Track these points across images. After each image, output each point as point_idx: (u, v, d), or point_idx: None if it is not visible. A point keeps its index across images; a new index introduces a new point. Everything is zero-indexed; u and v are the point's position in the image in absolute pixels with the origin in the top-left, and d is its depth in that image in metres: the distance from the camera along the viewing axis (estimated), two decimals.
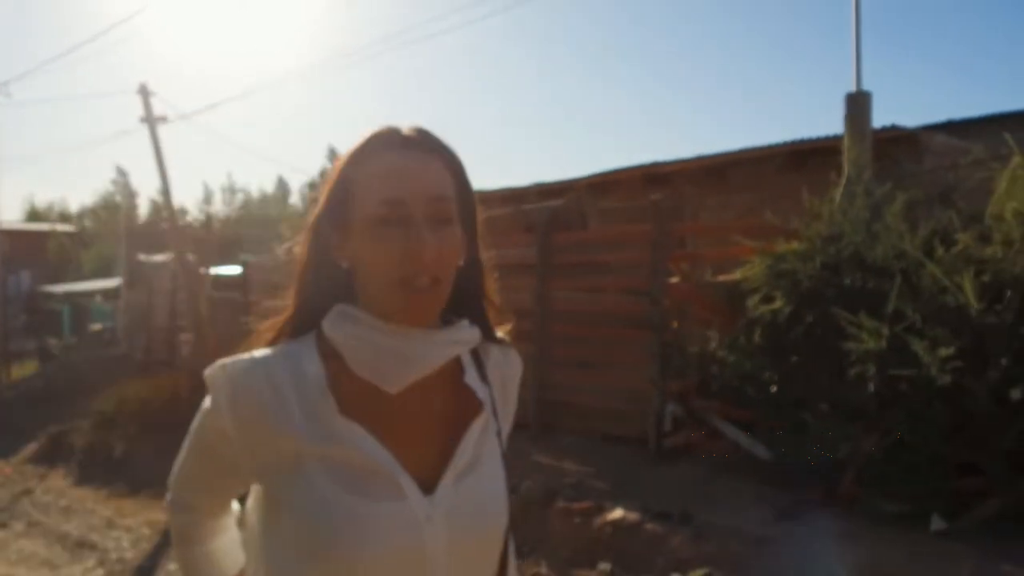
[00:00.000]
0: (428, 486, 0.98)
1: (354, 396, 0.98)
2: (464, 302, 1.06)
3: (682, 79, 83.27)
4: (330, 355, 1.00)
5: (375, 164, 0.98)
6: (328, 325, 1.00)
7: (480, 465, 1.03)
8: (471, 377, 1.08)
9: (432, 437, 1.02)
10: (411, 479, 0.97)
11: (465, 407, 1.06)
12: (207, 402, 1.02)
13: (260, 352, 1.01)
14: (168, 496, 1.19)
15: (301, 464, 0.95)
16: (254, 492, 1.08)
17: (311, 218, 1.04)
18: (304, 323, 1.04)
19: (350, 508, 0.93)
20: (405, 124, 1.03)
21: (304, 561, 0.95)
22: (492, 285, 1.12)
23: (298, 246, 1.07)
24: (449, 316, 1.04)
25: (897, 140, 7.56)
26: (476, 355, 1.12)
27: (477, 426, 1.05)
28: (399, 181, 0.96)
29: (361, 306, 1.00)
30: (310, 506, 0.94)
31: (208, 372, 1.00)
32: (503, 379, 1.15)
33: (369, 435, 0.97)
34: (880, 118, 8.29)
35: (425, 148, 1.01)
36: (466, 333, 1.04)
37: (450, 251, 0.98)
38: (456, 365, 1.07)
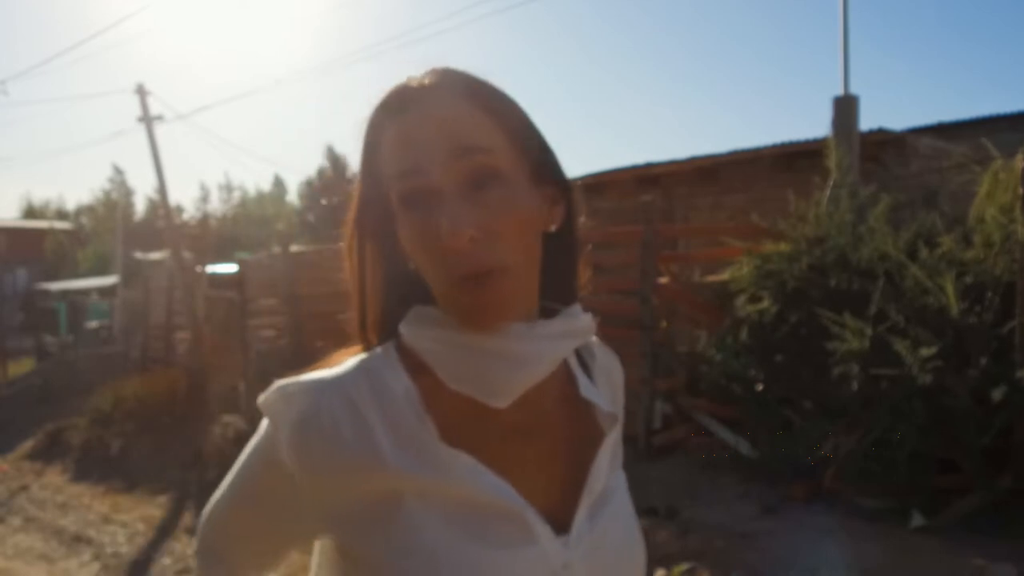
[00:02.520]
0: (559, 525, 0.77)
1: (454, 418, 0.76)
2: (549, 282, 0.81)
3: (675, 82, 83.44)
4: (418, 369, 0.78)
5: (386, 134, 0.76)
6: (407, 331, 0.78)
7: (613, 495, 0.84)
8: (585, 384, 0.87)
9: (553, 462, 0.81)
10: (540, 518, 0.76)
11: (585, 422, 0.85)
12: (260, 434, 0.81)
13: (330, 370, 0.79)
14: (197, 543, 0.93)
15: (398, 507, 0.73)
16: (320, 552, 0.84)
17: (349, 213, 0.83)
18: (378, 333, 0.82)
19: (471, 558, 0.72)
20: (417, 74, 0.79)
21: None
22: (584, 261, 0.87)
23: (345, 247, 0.85)
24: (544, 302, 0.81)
25: (884, 143, 7.66)
26: (579, 356, 0.89)
27: (608, 446, 0.84)
28: (410, 144, 0.73)
29: (440, 306, 0.78)
30: (415, 559, 0.72)
31: (263, 398, 0.78)
32: (612, 387, 0.92)
33: (481, 465, 0.75)
34: (869, 121, 8.40)
35: (445, 92, 0.76)
36: (581, 322, 0.81)
37: (505, 220, 0.73)
38: (564, 369, 0.85)
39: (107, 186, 52.02)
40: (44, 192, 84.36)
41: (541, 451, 0.80)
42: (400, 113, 0.75)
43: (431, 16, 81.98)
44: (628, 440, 6.68)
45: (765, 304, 5.71)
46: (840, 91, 6.81)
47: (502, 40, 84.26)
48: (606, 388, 0.90)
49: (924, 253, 4.95)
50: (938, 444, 4.55)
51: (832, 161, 5.95)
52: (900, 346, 4.59)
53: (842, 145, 6.33)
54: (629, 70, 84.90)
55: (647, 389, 6.27)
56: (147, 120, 12.43)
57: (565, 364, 0.85)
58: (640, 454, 6.18)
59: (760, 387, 5.56)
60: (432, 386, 0.77)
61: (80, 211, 53.63)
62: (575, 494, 0.80)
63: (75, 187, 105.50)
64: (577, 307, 0.82)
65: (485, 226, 0.71)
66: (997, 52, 72.62)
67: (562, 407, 0.83)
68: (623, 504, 0.86)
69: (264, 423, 0.81)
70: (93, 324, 19.24)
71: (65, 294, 23.18)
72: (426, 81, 0.77)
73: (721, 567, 4.07)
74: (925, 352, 4.52)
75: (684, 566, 4.07)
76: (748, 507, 4.96)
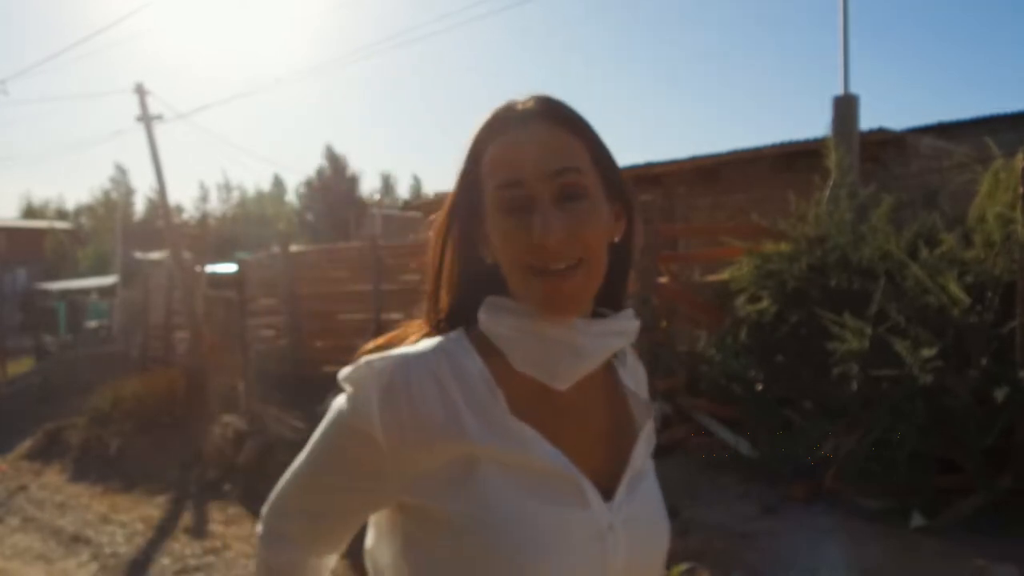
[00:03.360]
0: (603, 494, 0.89)
1: (520, 396, 0.87)
2: (604, 287, 0.92)
3: (675, 82, 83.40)
4: (486, 352, 0.89)
5: (494, 146, 0.88)
6: (485, 317, 0.89)
7: (647, 475, 0.97)
8: (625, 377, 1.00)
9: (601, 441, 0.93)
10: (592, 485, 0.88)
11: (623, 409, 0.98)
12: (342, 405, 0.88)
13: (413, 347, 0.89)
14: (262, 529, 1.01)
15: (475, 469, 0.84)
16: (381, 524, 0.94)
17: (442, 211, 0.95)
18: (451, 323, 0.93)
19: (539, 515, 0.84)
20: (523, 96, 0.92)
21: None
22: (632, 273, 1.00)
23: (432, 240, 0.96)
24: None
25: (884, 143, 7.65)
26: (615, 355, 0.99)
27: (644, 435, 0.97)
28: (513, 160, 0.86)
29: (514, 297, 0.90)
30: (491, 515, 0.83)
31: (347, 371, 0.88)
32: (640, 384, 1.04)
33: (542, 438, 0.86)
34: (869, 121, 8.39)
35: (545, 118, 0.89)
36: (630, 323, 0.94)
37: (588, 228, 0.86)
38: (607, 363, 0.96)
39: (107, 186, 52.08)
40: (44, 192, 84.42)
41: (589, 429, 0.93)
42: (503, 133, 0.88)
43: (428, 16, 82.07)
44: None
45: (765, 304, 5.70)
46: (840, 91, 6.80)
47: (500, 40, 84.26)
48: (638, 383, 1.03)
49: (924, 253, 4.94)
50: (938, 444, 4.54)
51: (831, 161, 5.94)
52: (900, 346, 4.58)
53: (842, 145, 6.32)
54: (629, 70, 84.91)
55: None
56: (146, 120, 12.42)
57: (607, 359, 0.95)
58: None
59: (760, 387, 5.55)
60: (500, 367, 0.88)
61: (80, 211, 53.64)
62: (617, 469, 0.92)
63: (75, 187, 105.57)
64: (630, 311, 0.95)
65: (570, 231, 0.84)
66: (997, 51, 72.63)
67: (604, 394, 0.96)
68: (654, 485, 0.99)
69: (341, 398, 0.89)
70: (92, 324, 19.25)
71: (65, 294, 23.19)
72: (529, 106, 0.90)
73: (721, 567, 4.06)
74: (926, 352, 4.51)
75: (684, 566, 4.05)
76: (748, 507, 4.95)
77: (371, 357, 0.87)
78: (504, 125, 0.89)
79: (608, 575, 0.87)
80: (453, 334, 0.91)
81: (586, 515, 0.87)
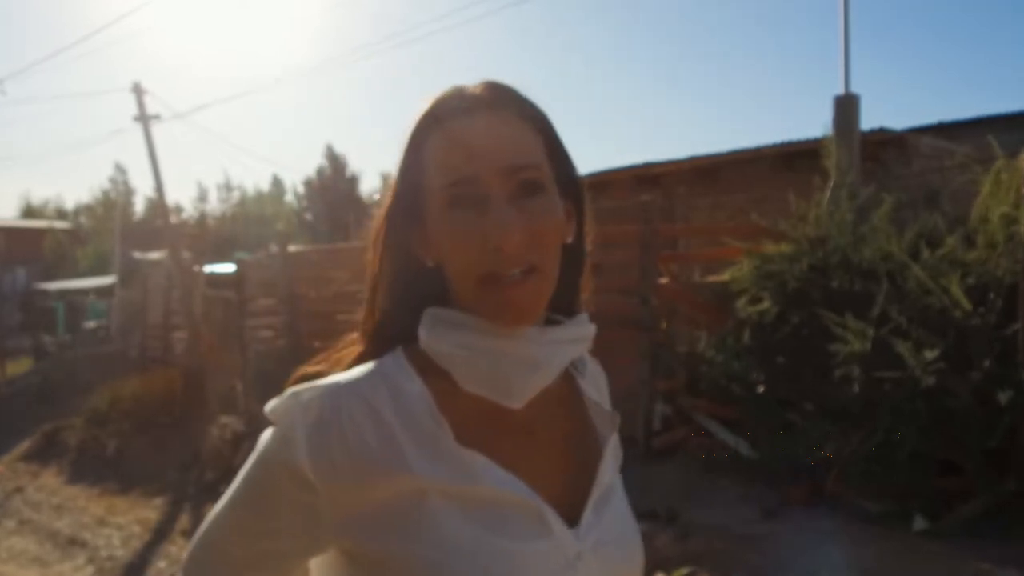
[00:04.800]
0: (567, 518, 0.80)
1: (468, 420, 0.79)
2: (557, 293, 0.83)
3: (675, 82, 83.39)
4: (429, 372, 0.80)
5: (439, 138, 0.79)
6: (426, 334, 0.80)
7: (615, 491, 0.89)
8: (586, 387, 0.93)
9: (563, 461, 0.85)
10: (554, 512, 0.79)
11: (583, 421, 0.91)
12: (268, 444, 0.80)
13: (344, 374, 0.80)
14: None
15: (420, 506, 0.75)
16: (322, 570, 0.84)
17: (380, 210, 0.86)
18: (388, 336, 0.84)
19: (495, 550, 0.75)
20: (472, 82, 0.83)
21: None
22: (588, 273, 0.91)
23: (370, 243, 0.88)
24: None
25: (885, 143, 7.62)
26: (572, 363, 0.91)
27: (610, 448, 0.89)
28: (465, 154, 0.77)
29: (456, 308, 0.81)
30: (444, 555, 0.74)
31: (273, 405, 0.80)
32: (601, 392, 0.97)
33: (495, 465, 0.78)
34: (871, 121, 8.36)
35: (498, 106, 0.80)
36: (585, 329, 0.86)
37: (546, 227, 0.78)
38: (566, 374, 0.89)
39: (106, 185, 52.03)
40: (43, 191, 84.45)
41: (547, 448, 0.84)
42: (450, 121, 0.80)
43: (427, 16, 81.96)
44: (628, 441, 6.66)
45: (766, 305, 5.67)
46: (841, 90, 6.77)
47: (498, 40, 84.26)
48: (597, 393, 0.95)
49: (926, 254, 4.91)
50: (940, 446, 4.51)
51: (830, 161, 5.91)
52: (902, 348, 4.55)
53: (843, 145, 6.28)
54: (629, 70, 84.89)
55: (647, 390, 6.23)
56: (144, 119, 12.39)
57: (564, 368, 0.87)
58: (640, 455, 6.14)
59: (761, 388, 5.52)
60: (444, 389, 0.80)
61: (79, 211, 53.60)
62: (580, 489, 0.84)
63: (74, 187, 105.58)
64: (584, 316, 0.87)
65: (528, 231, 0.76)
66: (999, 51, 72.66)
67: (562, 407, 0.88)
68: (622, 502, 0.90)
69: (269, 432, 0.80)
70: (91, 324, 19.22)
71: (63, 294, 23.16)
72: (479, 92, 0.82)
73: (722, 569, 4.03)
74: (928, 354, 4.47)
75: (684, 570, 4.03)
76: (749, 509, 4.91)
77: (298, 388, 0.79)
78: (451, 113, 0.80)
79: None
80: (391, 355, 0.82)
81: (550, 545, 0.78)
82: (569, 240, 0.84)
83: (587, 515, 0.82)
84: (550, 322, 0.84)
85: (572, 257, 0.85)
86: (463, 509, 0.76)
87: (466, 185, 0.77)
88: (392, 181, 0.85)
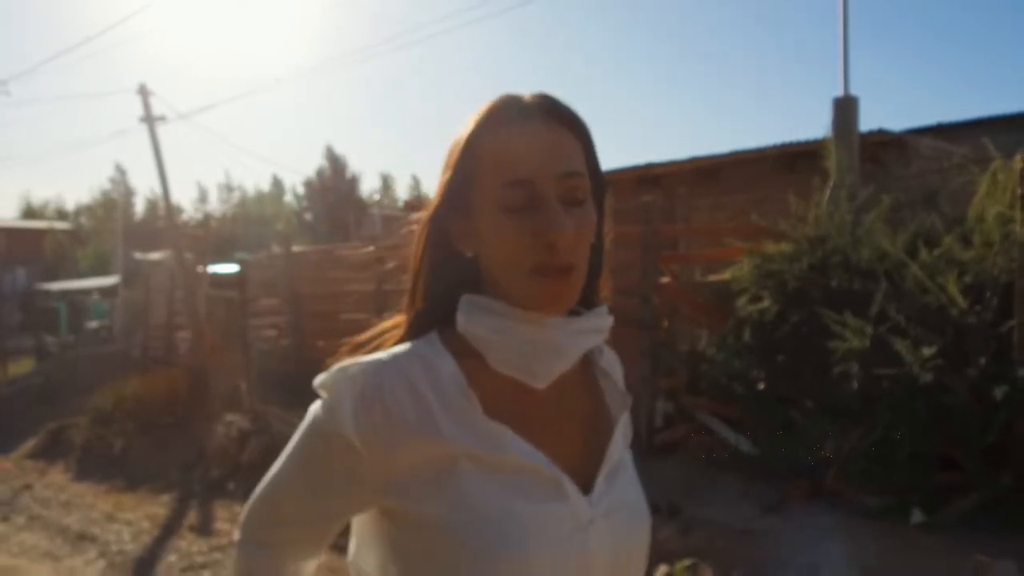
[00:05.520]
0: (581, 487, 0.89)
1: (496, 396, 0.88)
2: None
3: (676, 83, 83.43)
4: (461, 353, 0.89)
5: (496, 141, 0.87)
6: (465, 319, 0.89)
7: (625, 466, 0.97)
8: (601, 371, 1.02)
9: (579, 435, 0.94)
10: (570, 481, 0.88)
11: (599, 401, 1.00)
12: (318, 412, 0.89)
13: (385, 352, 0.89)
14: (241, 535, 1.01)
15: (451, 470, 0.84)
16: (364, 532, 0.94)
17: (430, 207, 0.93)
18: (428, 320, 0.93)
19: (517, 512, 0.84)
20: (527, 91, 0.91)
21: None
22: (606, 271, 1.01)
23: (415, 237, 0.95)
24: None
25: (885, 144, 7.69)
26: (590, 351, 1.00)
27: (621, 426, 0.98)
28: (525, 159, 0.85)
29: (491, 295, 0.90)
30: (470, 515, 0.83)
31: (321, 378, 0.89)
32: (617, 377, 1.05)
33: (519, 437, 0.87)
34: (872, 122, 8.43)
35: (552, 117, 0.89)
36: (604, 320, 0.94)
37: (585, 233, 0.87)
38: (584, 358, 0.98)
39: (106, 186, 52.04)
40: (44, 192, 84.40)
41: (566, 425, 0.93)
42: (506, 126, 0.87)
43: (428, 17, 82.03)
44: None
45: (766, 304, 5.74)
46: (840, 92, 6.85)
47: (499, 41, 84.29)
48: (613, 376, 1.04)
49: (924, 253, 4.99)
50: (939, 442, 4.58)
51: (830, 162, 5.99)
52: (901, 346, 4.63)
53: (842, 146, 6.36)
54: (629, 70, 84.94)
55: (648, 388, 6.30)
56: (149, 120, 12.45)
57: (583, 354, 0.95)
58: (641, 452, 6.18)
59: (761, 386, 5.59)
60: (475, 369, 0.88)
61: (79, 211, 53.63)
62: (594, 461, 0.93)
63: (75, 187, 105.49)
64: (603, 308, 0.95)
65: (574, 234, 0.85)
66: (1000, 52, 72.73)
67: (580, 388, 0.97)
68: (633, 476, 0.99)
69: (317, 404, 0.90)
70: (93, 324, 19.26)
71: (65, 294, 23.20)
72: (535, 101, 0.90)
73: (723, 565, 4.10)
74: (925, 351, 4.55)
75: (686, 562, 4.10)
76: (750, 505, 4.99)
77: (345, 363, 0.88)
78: (507, 119, 0.88)
79: (592, 568, 0.87)
80: (426, 337, 0.91)
81: (566, 509, 0.87)
82: (592, 240, 0.92)
83: (599, 484, 0.90)
84: (572, 313, 0.91)
85: (594, 255, 0.93)
86: (490, 474, 0.85)
87: (523, 186, 0.85)
88: (441, 181, 0.92)
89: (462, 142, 0.90)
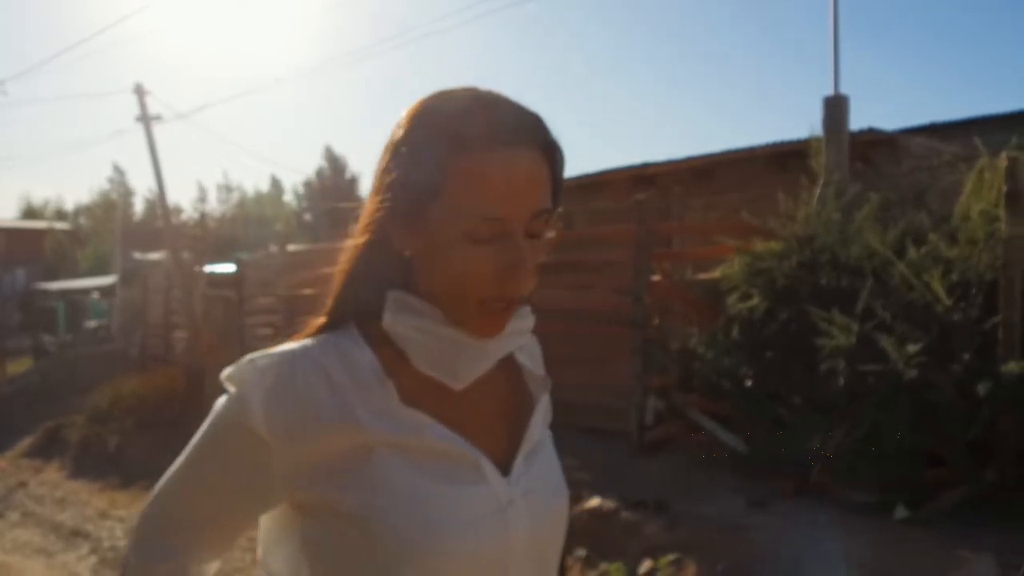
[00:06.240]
0: (501, 470, 0.89)
1: (413, 384, 0.87)
2: None
3: (670, 83, 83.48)
4: (379, 343, 0.88)
5: (475, 165, 0.80)
6: (391, 316, 0.87)
7: (544, 446, 0.98)
8: (523, 356, 1.02)
9: (498, 419, 0.94)
10: (490, 463, 0.88)
11: (519, 385, 1.00)
12: (222, 408, 0.86)
13: (297, 343, 0.88)
14: (134, 540, 0.95)
15: (368, 457, 0.83)
16: (271, 531, 0.91)
17: (376, 202, 0.87)
18: (345, 313, 0.91)
19: (435, 494, 0.83)
20: (506, 103, 0.85)
21: (384, 568, 0.82)
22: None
23: (355, 228, 0.91)
24: None
25: (875, 143, 7.73)
26: None
27: (540, 407, 0.98)
28: (505, 196, 0.80)
29: (420, 294, 0.87)
30: (388, 500, 0.82)
31: (230, 370, 0.85)
32: (535, 360, 1.06)
33: (436, 422, 0.86)
34: (865, 121, 8.47)
35: (534, 145, 0.83)
36: (527, 321, 0.94)
37: (538, 262, 0.86)
38: None
39: (106, 186, 52.11)
40: (43, 192, 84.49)
41: (485, 409, 0.93)
42: (493, 147, 0.80)
43: (427, 16, 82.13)
44: (621, 436, 6.74)
45: (755, 301, 5.78)
46: (831, 91, 6.89)
47: (497, 40, 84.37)
48: (532, 358, 1.04)
49: (912, 251, 5.02)
50: (924, 438, 4.61)
51: (817, 161, 6.03)
52: (886, 342, 4.66)
53: (832, 145, 6.40)
54: (626, 71, 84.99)
55: (639, 385, 6.34)
56: (145, 120, 12.49)
57: None
58: (633, 449, 6.25)
59: (749, 383, 5.63)
60: (392, 357, 0.87)
61: (79, 211, 53.70)
62: (514, 444, 0.93)
63: (74, 187, 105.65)
64: (526, 309, 0.94)
65: (532, 267, 0.84)
66: (993, 52, 72.79)
67: (501, 372, 0.96)
68: (551, 456, 0.99)
69: (223, 399, 0.87)
70: (92, 324, 19.32)
71: (64, 294, 23.25)
72: (524, 123, 0.84)
73: (708, 559, 4.13)
74: (910, 348, 4.59)
75: (671, 556, 4.13)
76: (738, 501, 5.02)
77: (254, 355, 0.85)
78: (491, 140, 0.80)
79: (511, 548, 0.87)
80: (343, 328, 0.89)
81: (485, 490, 0.86)
82: None
83: (517, 465, 0.91)
84: None
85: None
86: (407, 459, 0.84)
87: (495, 223, 0.81)
88: (391, 176, 0.85)
89: (435, 147, 0.82)
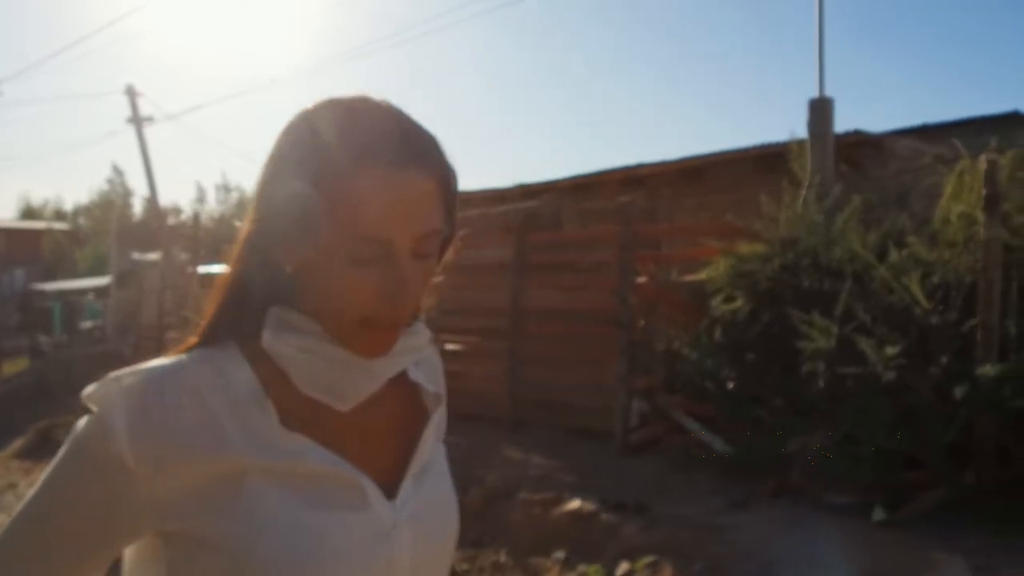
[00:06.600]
0: (389, 491, 0.86)
1: (296, 404, 0.83)
2: None
3: (662, 85, 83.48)
4: (259, 361, 0.83)
5: (358, 185, 0.76)
6: (271, 335, 0.82)
7: (434, 465, 0.94)
8: (416, 373, 0.97)
9: (386, 440, 0.90)
10: (374, 485, 0.85)
11: (412, 402, 0.96)
12: (86, 428, 0.78)
13: (169, 359, 0.82)
14: None
15: (242, 485, 0.78)
16: (137, 559, 0.84)
17: (257, 213, 0.83)
18: (224, 326, 0.85)
19: (309, 522, 0.79)
20: (394, 120, 0.81)
21: None
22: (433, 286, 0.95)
23: (237, 240, 0.87)
24: None
25: (861, 144, 7.74)
26: None
27: (432, 424, 0.94)
28: (390, 218, 0.77)
29: (303, 311, 0.83)
30: (262, 531, 0.77)
31: (92, 388, 0.78)
32: (434, 372, 1.03)
33: (318, 445, 0.82)
34: (853, 123, 8.47)
35: (422, 164, 0.79)
36: (422, 338, 0.91)
37: (425, 284, 0.83)
38: None
39: (105, 187, 52.13)
40: (42, 192, 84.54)
41: (374, 429, 0.89)
42: (378, 165, 0.76)
43: (422, 16, 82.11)
44: (606, 437, 6.75)
45: (739, 304, 5.80)
46: (816, 94, 6.91)
47: (498, 40, 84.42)
48: (430, 374, 1.00)
49: (894, 254, 5.03)
50: (902, 441, 4.63)
51: (800, 164, 6.05)
52: (865, 345, 4.68)
53: (817, 147, 6.41)
54: (625, 72, 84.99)
55: (624, 387, 6.36)
56: (137, 121, 12.53)
57: None
58: (617, 451, 6.27)
59: (731, 385, 5.65)
60: (272, 377, 0.83)
61: (78, 211, 53.73)
62: (403, 465, 0.90)
63: (74, 187, 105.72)
64: (420, 324, 0.91)
65: (418, 289, 0.81)
66: (982, 53, 72.83)
67: (393, 391, 0.91)
68: (442, 473, 0.96)
69: (83, 421, 0.79)
70: (87, 324, 19.35)
71: (61, 294, 23.29)
72: (412, 143, 0.79)
73: (685, 559, 4.15)
74: (889, 351, 4.60)
75: (648, 559, 4.15)
76: (718, 502, 5.04)
77: (119, 372, 0.78)
78: (377, 160, 0.77)
79: (394, 571, 0.84)
80: (221, 345, 0.84)
81: (368, 516, 0.83)
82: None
83: (405, 487, 0.88)
84: None
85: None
86: (282, 486, 0.79)
87: (380, 244, 0.77)
88: (271, 190, 0.81)
89: (311, 158, 0.78)
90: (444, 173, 0.82)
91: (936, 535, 4.24)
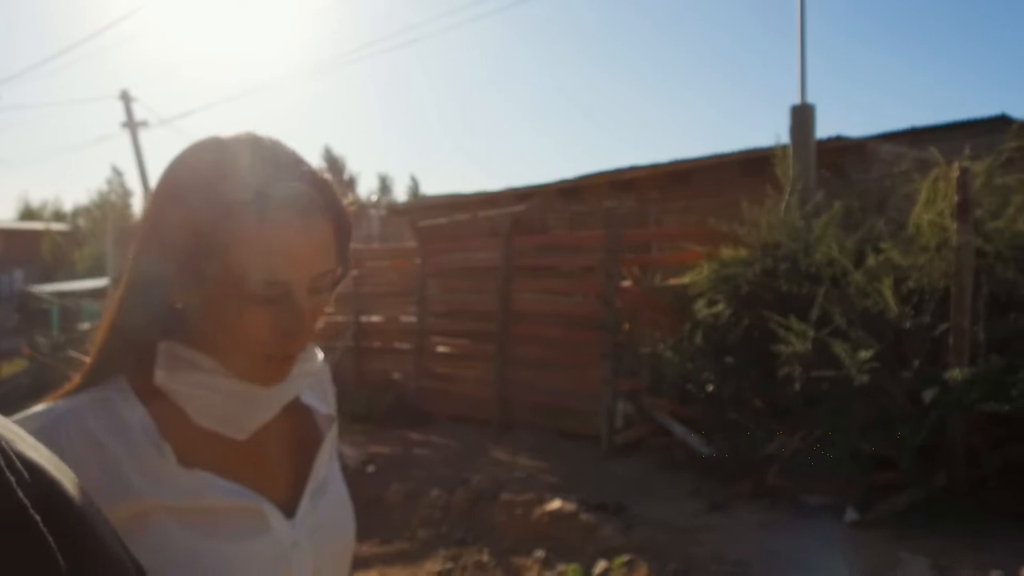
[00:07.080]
0: (290, 511, 0.90)
1: (193, 439, 0.84)
2: None
3: (655, 88, 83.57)
4: (152, 397, 0.84)
5: (258, 231, 0.78)
6: (165, 373, 0.84)
7: (331, 481, 0.98)
8: (309, 396, 1.01)
9: (282, 461, 0.94)
10: (275, 508, 0.88)
11: (308, 425, 0.99)
12: None
13: (64, 403, 0.82)
14: None
15: (145, 525, 0.79)
16: None
17: (141, 248, 0.84)
18: (114, 364, 0.86)
19: (210, 552, 0.82)
20: (286, 165, 0.83)
21: None
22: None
23: (122, 281, 0.87)
24: None
25: (844, 149, 7.83)
26: None
27: (327, 444, 0.98)
28: (289, 262, 0.80)
29: (194, 344, 0.85)
30: (158, 563, 0.76)
31: None
32: (325, 390, 1.05)
33: (218, 478, 0.84)
34: (838, 128, 8.55)
35: (319, 208, 0.82)
36: (314, 363, 0.95)
37: (320, 316, 0.87)
38: None
39: (104, 188, 52.18)
40: (41, 193, 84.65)
41: (271, 452, 0.93)
42: (275, 211, 0.78)
43: (425, 16, 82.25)
44: (591, 439, 6.85)
45: (720, 307, 5.89)
46: (797, 100, 7.00)
47: (497, 40, 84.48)
48: (320, 394, 1.04)
49: (871, 258, 5.12)
50: (875, 442, 4.72)
51: (783, 169, 6.14)
52: (839, 349, 4.77)
53: (799, 153, 6.51)
54: (623, 71, 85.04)
55: (609, 389, 6.46)
56: (131, 125, 12.61)
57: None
58: (602, 453, 6.37)
59: (711, 388, 5.74)
60: (167, 413, 0.84)
61: (77, 212, 53.79)
62: (300, 484, 0.94)
63: (73, 188, 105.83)
64: (312, 348, 0.95)
65: (313, 322, 0.85)
66: (967, 58, 72.92)
67: (286, 412, 0.94)
68: (339, 489, 1.00)
69: None
70: (85, 325, 19.42)
71: (59, 296, 23.35)
72: (307, 189, 0.81)
73: (660, 559, 4.24)
74: (863, 354, 4.70)
75: (624, 558, 4.24)
76: (698, 503, 5.14)
77: (9, 419, 0.74)
78: (277, 206, 0.79)
79: None
80: (114, 382, 0.85)
81: (269, 538, 0.86)
82: None
83: (303, 505, 0.91)
84: None
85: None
86: (184, 521, 0.81)
87: (278, 286, 0.80)
88: (161, 226, 0.82)
89: (206, 197, 0.79)
90: (338, 214, 0.85)
91: (905, 536, 4.34)
